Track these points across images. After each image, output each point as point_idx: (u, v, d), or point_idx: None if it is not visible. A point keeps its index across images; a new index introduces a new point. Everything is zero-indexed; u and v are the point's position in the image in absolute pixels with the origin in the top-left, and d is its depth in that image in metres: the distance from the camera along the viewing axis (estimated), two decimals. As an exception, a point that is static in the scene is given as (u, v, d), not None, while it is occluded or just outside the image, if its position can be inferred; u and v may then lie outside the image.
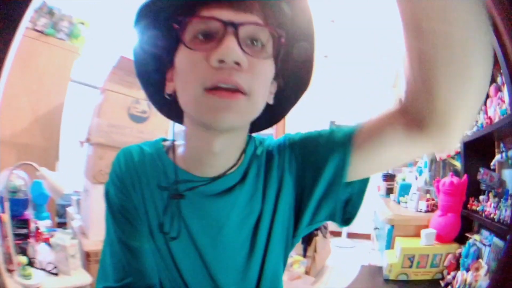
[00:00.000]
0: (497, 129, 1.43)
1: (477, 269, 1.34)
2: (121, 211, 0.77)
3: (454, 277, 1.44)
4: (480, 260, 1.42)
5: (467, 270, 1.41)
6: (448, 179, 1.73)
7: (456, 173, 1.86)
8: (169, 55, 0.68)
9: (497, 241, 1.34)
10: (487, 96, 1.61)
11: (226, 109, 0.59)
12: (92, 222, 2.56)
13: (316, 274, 3.73)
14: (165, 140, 0.85)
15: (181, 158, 0.77)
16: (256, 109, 0.65)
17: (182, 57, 0.63)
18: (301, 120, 5.64)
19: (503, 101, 1.40)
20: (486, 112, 1.57)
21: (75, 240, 2.07)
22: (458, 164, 1.91)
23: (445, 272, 1.55)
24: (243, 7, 0.62)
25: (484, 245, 1.45)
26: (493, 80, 1.60)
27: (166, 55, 0.69)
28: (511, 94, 1.22)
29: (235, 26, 0.59)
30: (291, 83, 0.76)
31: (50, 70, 3.13)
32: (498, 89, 1.49)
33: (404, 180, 2.76)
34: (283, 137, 0.83)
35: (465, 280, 1.32)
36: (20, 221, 2.01)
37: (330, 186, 0.73)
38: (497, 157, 1.50)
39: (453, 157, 1.97)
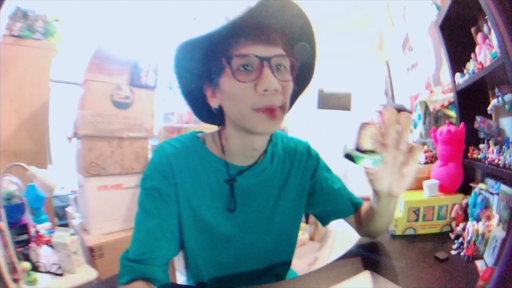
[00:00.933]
0: (489, 74, 1.36)
1: (488, 218, 1.27)
2: (161, 195, 0.95)
3: (464, 229, 1.37)
4: (489, 208, 1.36)
5: (477, 220, 1.34)
6: (444, 127, 1.65)
7: (451, 123, 1.78)
8: (215, 79, 0.90)
9: (505, 188, 1.26)
10: (475, 44, 1.56)
11: (270, 122, 0.86)
12: (91, 216, 2.52)
13: (320, 239, 3.72)
14: (198, 132, 1.09)
15: (224, 151, 1.02)
16: (285, 115, 0.92)
17: (231, 85, 0.86)
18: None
19: (492, 47, 1.33)
20: (476, 60, 1.49)
21: (75, 236, 2.01)
22: (453, 114, 1.83)
23: (453, 224, 1.49)
24: (270, 41, 0.86)
25: (491, 193, 1.38)
26: (479, 30, 1.54)
27: (211, 79, 0.92)
28: (498, 36, 1.17)
29: (268, 59, 0.84)
30: (299, 83, 1.00)
31: (30, 72, 3.02)
32: (486, 37, 1.43)
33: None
34: (314, 151, 1.23)
35: (477, 231, 1.25)
36: (19, 227, 1.94)
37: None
38: (493, 101, 1.42)
39: (447, 107, 1.88)
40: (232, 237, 1.05)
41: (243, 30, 0.84)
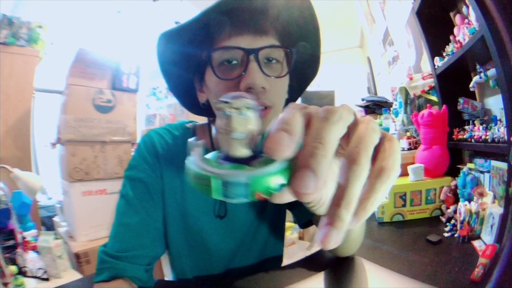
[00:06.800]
0: (469, 52, 1.30)
1: (481, 195, 1.19)
2: (147, 188, 0.85)
3: (455, 211, 1.29)
4: (481, 185, 1.28)
5: (469, 200, 1.26)
6: (426, 111, 1.58)
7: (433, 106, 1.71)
8: (200, 72, 0.78)
9: (497, 163, 1.18)
10: (453, 25, 1.51)
11: None
12: (76, 222, 2.41)
13: (310, 239, 3.62)
14: (187, 123, 0.96)
15: (214, 146, 0.88)
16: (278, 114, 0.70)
17: (214, 82, 0.71)
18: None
19: (471, 24, 1.28)
20: (455, 41, 1.44)
21: (59, 240, 1.91)
22: (434, 98, 1.75)
23: (443, 207, 1.41)
24: (260, 30, 0.70)
25: (481, 172, 1.30)
26: (458, 11, 1.50)
27: (196, 73, 0.80)
28: (476, 12, 1.13)
29: (255, 52, 0.68)
30: (300, 80, 0.86)
31: (14, 78, 2.95)
32: (464, 18, 1.38)
33: (381, 125, 2.57)
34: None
35: (470, 210, 1.16)
36: (6, 233, 1.84)
37: None
38: (475, 78, 1.35)
39: (428, 92, 1.80)
40: (221, 239, 0.95)
41: (226, 17, 0.69)
